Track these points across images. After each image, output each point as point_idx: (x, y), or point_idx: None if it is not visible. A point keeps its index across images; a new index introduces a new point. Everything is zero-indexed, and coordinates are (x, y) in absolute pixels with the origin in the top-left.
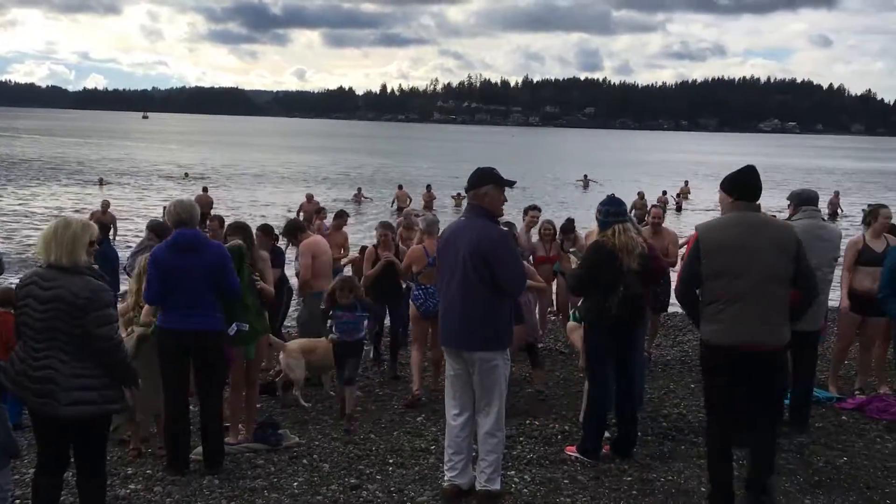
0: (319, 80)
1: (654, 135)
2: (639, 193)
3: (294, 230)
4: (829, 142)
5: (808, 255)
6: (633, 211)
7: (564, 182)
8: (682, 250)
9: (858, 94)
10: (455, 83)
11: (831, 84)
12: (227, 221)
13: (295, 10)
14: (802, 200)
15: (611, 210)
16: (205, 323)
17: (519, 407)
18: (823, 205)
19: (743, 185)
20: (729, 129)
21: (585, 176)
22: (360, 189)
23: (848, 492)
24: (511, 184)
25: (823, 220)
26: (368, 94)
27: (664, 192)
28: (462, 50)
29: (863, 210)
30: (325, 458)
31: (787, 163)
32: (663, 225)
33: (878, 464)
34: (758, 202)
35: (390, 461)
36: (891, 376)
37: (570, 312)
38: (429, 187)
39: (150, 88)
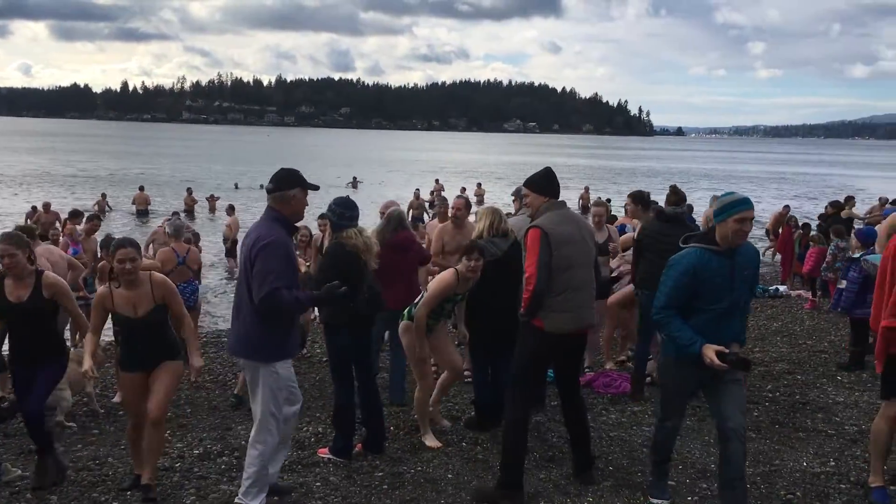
0: (49, 77)
1: (408, 134)
2: (414, 193)
3: (29, 234)
4: (564, 140)
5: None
6: (411, 211)
7: (330, 184)
8: None
9: (587, 97)
10: (204, 81)
11: (564, 88)
12: None
13: (14, 0)
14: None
15: (345, 213)
16: None
17: None
18: (576, 200)
19: (552, 185)
20: (477, 129)
21: (354, 178)
22: (104, 195)
23: None
24: (316, 187)
25: None
26: (108, 91)
27: (417, 190)
28: (209, 47)
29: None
30: (52, 490)
31: (532, 161)
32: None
33: (603, 434)
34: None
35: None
36: (615, 353)
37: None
38: (189, 190)
39: None
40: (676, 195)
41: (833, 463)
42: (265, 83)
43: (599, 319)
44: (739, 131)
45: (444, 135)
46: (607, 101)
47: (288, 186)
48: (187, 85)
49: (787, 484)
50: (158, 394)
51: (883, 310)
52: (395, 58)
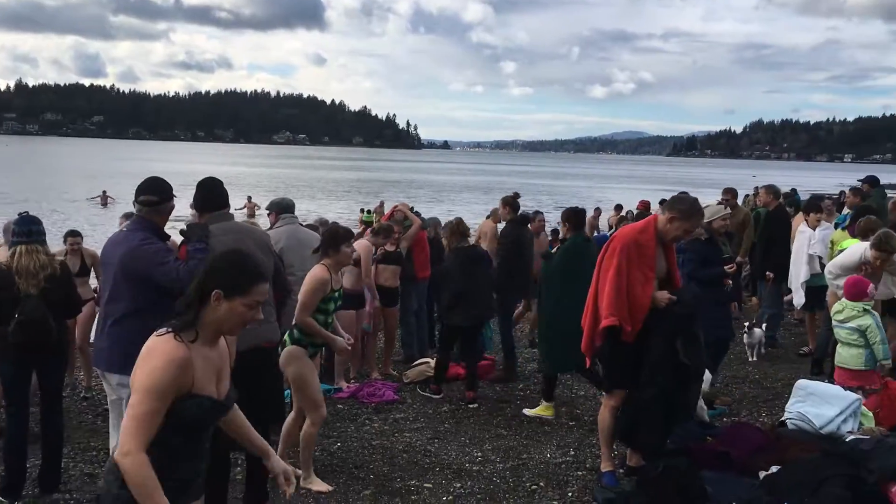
0: None
1: (171, 145)
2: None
3: None
4: (335, 153)
5: (293, 258)
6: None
7: (78, 199)
8: None
9: (356, 109)
10: None
11: (334, 100)
12: None
13: None
14: (282, 209)
15: (16, 230)
16: None
17: None
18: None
19: (212, 199)
20: (245, 141)
21: (104, 192)
22: None
23: (339, 474)
24: None
25: (301, 224)
26: None
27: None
28: None
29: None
30: None
31: (305, 174)
32: None
33: (365, 444)
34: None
35: None
36: (381, 363)
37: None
38: None
39: None
40: (517, 199)
41: (573, 452)
42: (3, 88)
43: (362, 329)
44: (500, 145)
45: (209, 146)
46: (376, 115)
47: (168, 199)
48: None
49: (532, 476)
50: None
51: (589, 311)
52: (151, 64)
